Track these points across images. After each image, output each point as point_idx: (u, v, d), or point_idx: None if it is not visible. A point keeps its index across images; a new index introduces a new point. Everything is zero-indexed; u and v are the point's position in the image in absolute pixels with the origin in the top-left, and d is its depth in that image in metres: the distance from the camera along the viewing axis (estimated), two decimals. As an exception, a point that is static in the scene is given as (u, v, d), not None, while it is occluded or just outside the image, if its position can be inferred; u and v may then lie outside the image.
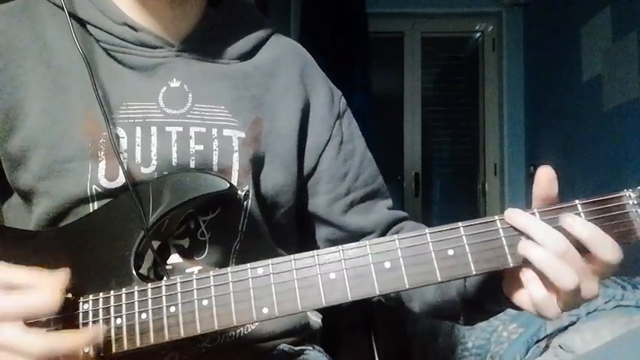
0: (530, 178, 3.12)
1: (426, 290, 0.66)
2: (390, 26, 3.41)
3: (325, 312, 0.96)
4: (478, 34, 3.49)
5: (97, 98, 0.58)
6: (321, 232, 0.76)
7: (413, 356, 1.79)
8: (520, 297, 0.51)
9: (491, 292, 0.57)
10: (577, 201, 0.49)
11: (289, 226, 0.75)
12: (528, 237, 0.48)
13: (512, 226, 0.49)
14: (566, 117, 2.74)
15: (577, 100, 2.63)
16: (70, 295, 0.51)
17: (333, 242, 0.75)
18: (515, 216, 0.49)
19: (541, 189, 0.49)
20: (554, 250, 0.46)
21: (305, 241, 0.78)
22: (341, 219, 0.74)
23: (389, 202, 0.79)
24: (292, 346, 0.74)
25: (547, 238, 0.46)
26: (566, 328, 1.34)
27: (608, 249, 0.46)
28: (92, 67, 0.61)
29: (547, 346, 1.34)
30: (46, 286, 0.47)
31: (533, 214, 0.49)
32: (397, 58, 3.44)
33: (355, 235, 0.74)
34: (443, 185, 3.56)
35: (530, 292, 0.48)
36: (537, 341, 1.36)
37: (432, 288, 0.65)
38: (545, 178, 0.49)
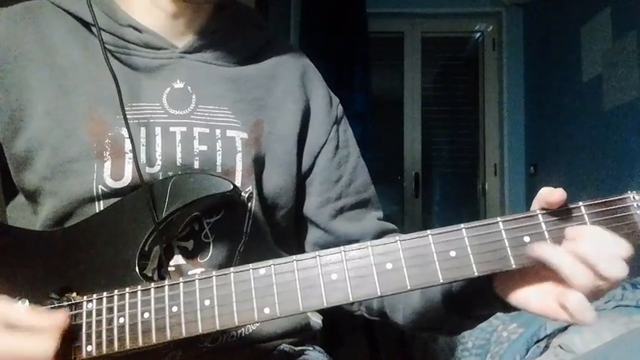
0: (530, 178, 3.13)
1: (410, 296, 0.66)
2: (390, 26, 3.42)
3: (326, 313, 0.97)
4: (478, 34, 3.49)
5: (118, 96, 0.58)
6: (310, 235, 0.76)
7: (413, 356, 1.79)
8: (526, 298, 0.51)
9: (480, 293, 0.56)
10: (581, 203, 0.49)
11: (289, 228, 0.75)
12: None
13: (514, 228, 0.49)
14: (566, 117, 2.74)
15: (577, 100, 2.63)
16: (74, 295, 0.51)
17: (320, 247, 0.74)
18: (540, 248, 0.48)
19: (550, 207, 0.49)
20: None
21: (303, 243, 0.78)
22: (329, 223, 0.74)
23: (379, 213, 0.79)
24: (293, 347, 0.74)
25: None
26: (566, 328, 1.34)
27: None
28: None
29: (547, 346, 1.35)
30: (45, 332, 0.48)
31: (536, 215, 0.49)
32: (397, 58, 3.44)
33: (342, 242, 0.73)
34: (443, 185, 3.56)
35: (567, 300, 0.46)
36: (537, 341, 1.36)
37: (416, 293, 0.65)
38: (560, 203, 0.48)
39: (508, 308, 0.54)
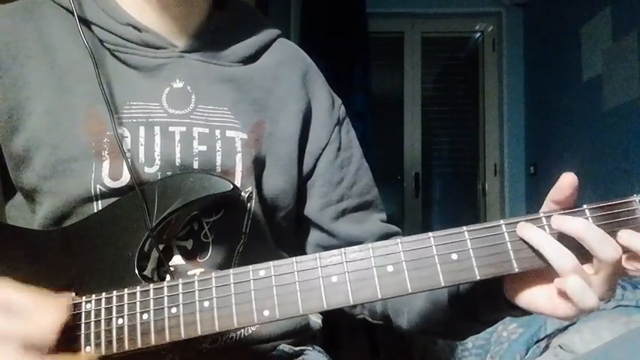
0: (530, 178, 3.13)
1: (415, 298, 0.65)
2: (390, 26, 3.42)
3: (326, 312, 0.96)
4: (478, 34, 3.49)
5: (103, 96, 0.58)
6: (312, 237, 0.76)
7: (413, 356, 1.79)
8: (534, 299, 0.50)
9: (488, 296, 0.56)
10: (585, 206, 0.48)
11: (290, 229, 0.75)
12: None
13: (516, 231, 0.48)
14: (566, 117, 2.74)
15: (577, 100, 2.63)
16: (73, 295, 0.51)
17: (322, 248, 0.74)
18: (564, 221, 0.46)
19: (561, 196, 0.48)
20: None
21: (304, 244, 0.78)
22: (331, 225, 0.73)
23: (383, 215, 0.78)
24: (292, 347, 0.74)
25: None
26: (566, 328, 1.34)
27: (605, 244, 0.45)
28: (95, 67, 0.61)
29: (547, 346, 1.34)
30: (47, 314, 0.48)
31: (539, 218, 0.48)
32: (397, 58, 3.45)
33: (344, 244, 0.71)
34: (443, 185, 3.56)
35: (566, 286, 0.45)
36: (537, 341, 1.36)
37: (422, 295, 0.64)
38: (570, 186, 0.47)
39: (517, 312, 0.53)
